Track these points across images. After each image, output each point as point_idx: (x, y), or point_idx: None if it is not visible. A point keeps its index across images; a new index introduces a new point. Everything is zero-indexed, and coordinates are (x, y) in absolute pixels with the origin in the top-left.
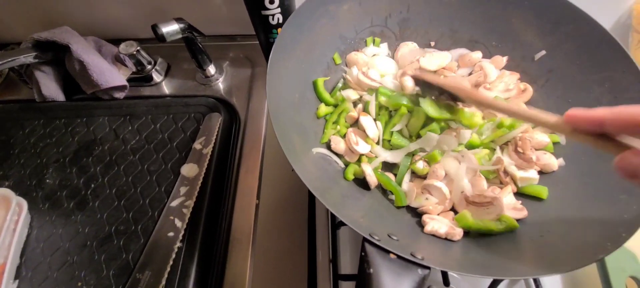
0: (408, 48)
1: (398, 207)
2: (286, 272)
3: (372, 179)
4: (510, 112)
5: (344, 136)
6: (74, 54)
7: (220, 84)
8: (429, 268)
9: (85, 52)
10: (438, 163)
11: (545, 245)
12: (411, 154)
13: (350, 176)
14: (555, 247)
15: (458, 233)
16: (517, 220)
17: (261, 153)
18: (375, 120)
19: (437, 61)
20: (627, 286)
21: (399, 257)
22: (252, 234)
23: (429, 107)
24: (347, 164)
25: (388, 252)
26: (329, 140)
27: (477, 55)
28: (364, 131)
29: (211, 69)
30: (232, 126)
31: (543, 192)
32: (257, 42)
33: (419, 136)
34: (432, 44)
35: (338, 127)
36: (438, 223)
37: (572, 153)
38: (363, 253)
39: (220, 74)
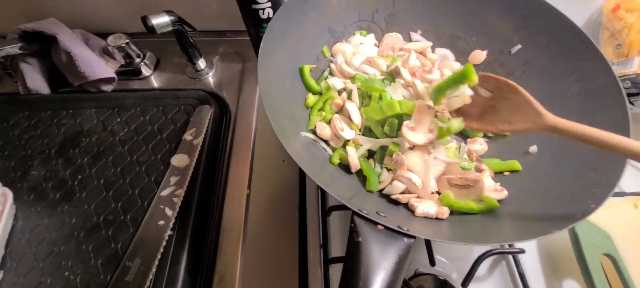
0: (392, 39)
1: (369, 191)
2: (277, 259)
3: (353, 162)
4: (604, 142)
5: (329, 122)
6: (61, 44)
7: (211, 78)
8: (414, 237)
9: (73, 43)
10: (404, 157)
11: (522, 218)
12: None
13: (336, 160)
14: (531, 219)
15: (446, 211)
16: (498, 200)
17: (252, 146)
18: (359, 108)
19: (418, 44)
20: (602, 263)
21: (386, 228)
22: (243, 223)
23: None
24: (334, 150)
25: (376, 223)
26: (315, 127)
27: (456, 64)
28: (349, 117)
29: (201, 63)
30: (222, 119)
31: (515, 164)
32: (247, 37)
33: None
34: (419, 32)
35: (323, 113)
36: (426, 205)
37: (545, 139)
38: (352, 225)
39: (210, 69)
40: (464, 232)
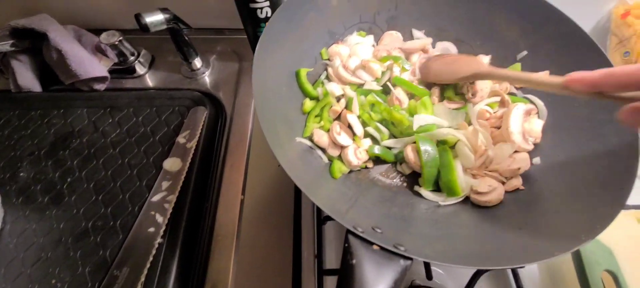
0: (391, 38)
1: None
2: (270, 268)
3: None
4: (518, 78)
5: (327, 131)
6: (52, 42)
7: (207, 78)
8: (411, 258)
9: (64, 40)
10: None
11: (524, 237)
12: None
13: (337, 174)
14: (534, 239)
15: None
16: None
17: (247, 149)
18: (359, 117)
19: (418, 43)
20: (603, 280)
21: (381, 248)
22: (236, 230)
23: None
24: (331, 159)
25: (371, 243)
26: (312, 134)
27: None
28: (350, 128)
29: (197, 63)
30: (217, 120)
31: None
32: (246, 36)
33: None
34: (423, 30)
35: (322, 122)
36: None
37: (549, 152)
38: (346, 245)
39: (206, 68)
40: (463, 251)
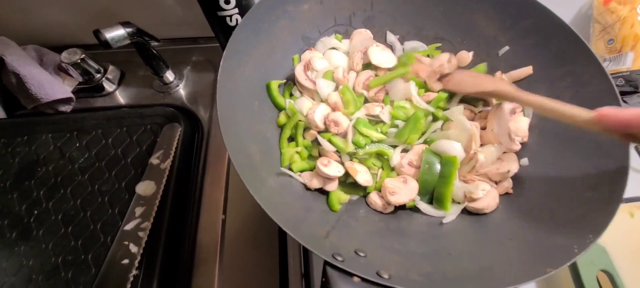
0: (361, 36)
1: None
2: None
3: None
4: (543, 107)
5: (307, 157)
6: (9, 66)
7: (181, 91)
8: None
9: (21, 63)
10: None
11: (515, 249)
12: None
13: (337, 206)
14: (524, 253)
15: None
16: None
17: (227, 164)
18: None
19: (380, 58)
20: (599, 279)
21: (362, 279)
22: (218, 252)
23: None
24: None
25: (351, 274)
26: (303, 178)
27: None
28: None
29: (169, 76)
30: (194, 136)
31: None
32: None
33: None
34: (397, 36)
35: (299, 148)
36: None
37: (536, 152)
38: (324, 279)
39: (180, 80)
40: (453, 272)
